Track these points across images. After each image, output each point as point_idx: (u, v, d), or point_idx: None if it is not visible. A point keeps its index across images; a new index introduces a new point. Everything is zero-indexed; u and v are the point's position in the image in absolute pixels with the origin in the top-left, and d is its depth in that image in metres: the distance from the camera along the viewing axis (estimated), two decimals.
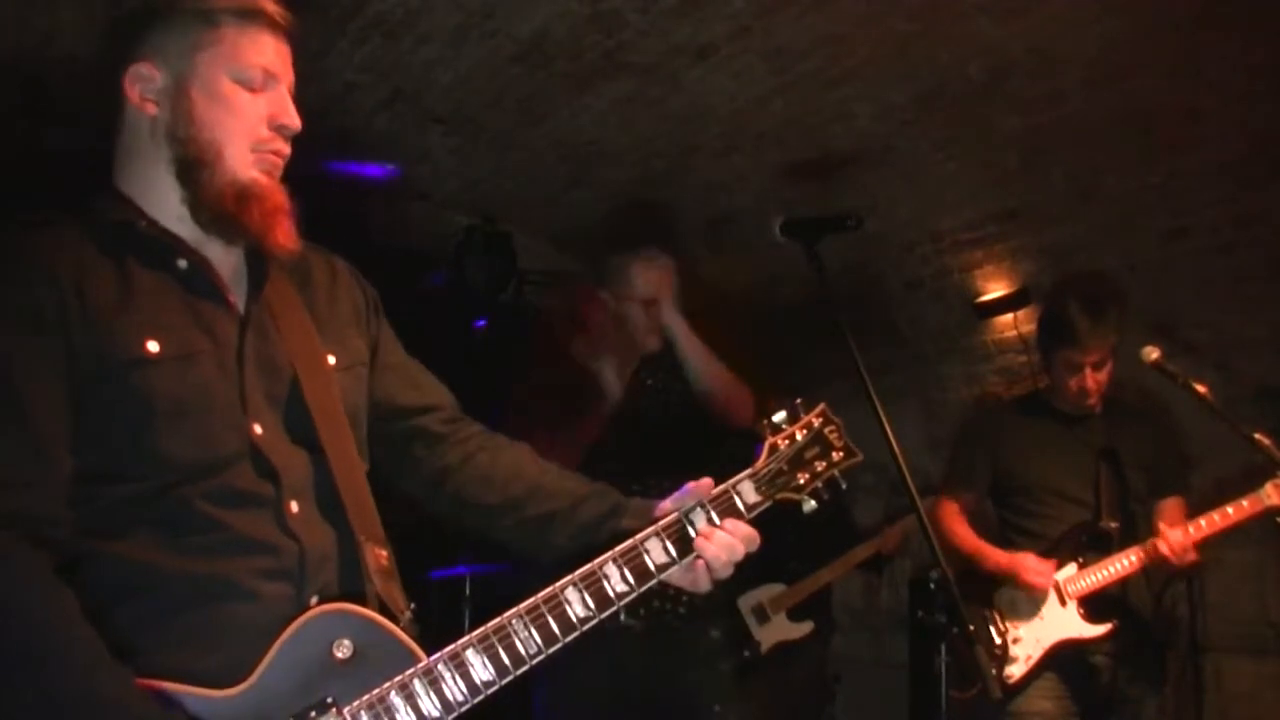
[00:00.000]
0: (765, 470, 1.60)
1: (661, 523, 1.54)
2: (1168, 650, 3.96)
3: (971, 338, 4.99)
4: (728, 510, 1.56)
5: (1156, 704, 3.16)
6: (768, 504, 1.59)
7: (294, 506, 1.39)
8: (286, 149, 1.47)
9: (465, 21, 3.60)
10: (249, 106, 1.41)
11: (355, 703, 1.27)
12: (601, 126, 4.31)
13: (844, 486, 1.66)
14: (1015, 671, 3.07)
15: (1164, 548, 2.95)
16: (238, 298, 1.47)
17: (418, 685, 1.29)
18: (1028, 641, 3.09)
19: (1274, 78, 3.31)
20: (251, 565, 1.33)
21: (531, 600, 1.40)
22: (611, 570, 1.46)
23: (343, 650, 1.28)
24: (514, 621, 1.37)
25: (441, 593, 4.27)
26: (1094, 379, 3.10)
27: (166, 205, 1.42)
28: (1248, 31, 3.19)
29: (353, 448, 1.51)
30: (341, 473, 1.44)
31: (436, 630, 1.46)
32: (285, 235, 1.44)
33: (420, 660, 1.32)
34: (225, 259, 1.47)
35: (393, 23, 3.61)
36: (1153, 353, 3.08)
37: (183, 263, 1.42)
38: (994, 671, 2.97)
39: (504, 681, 1.35)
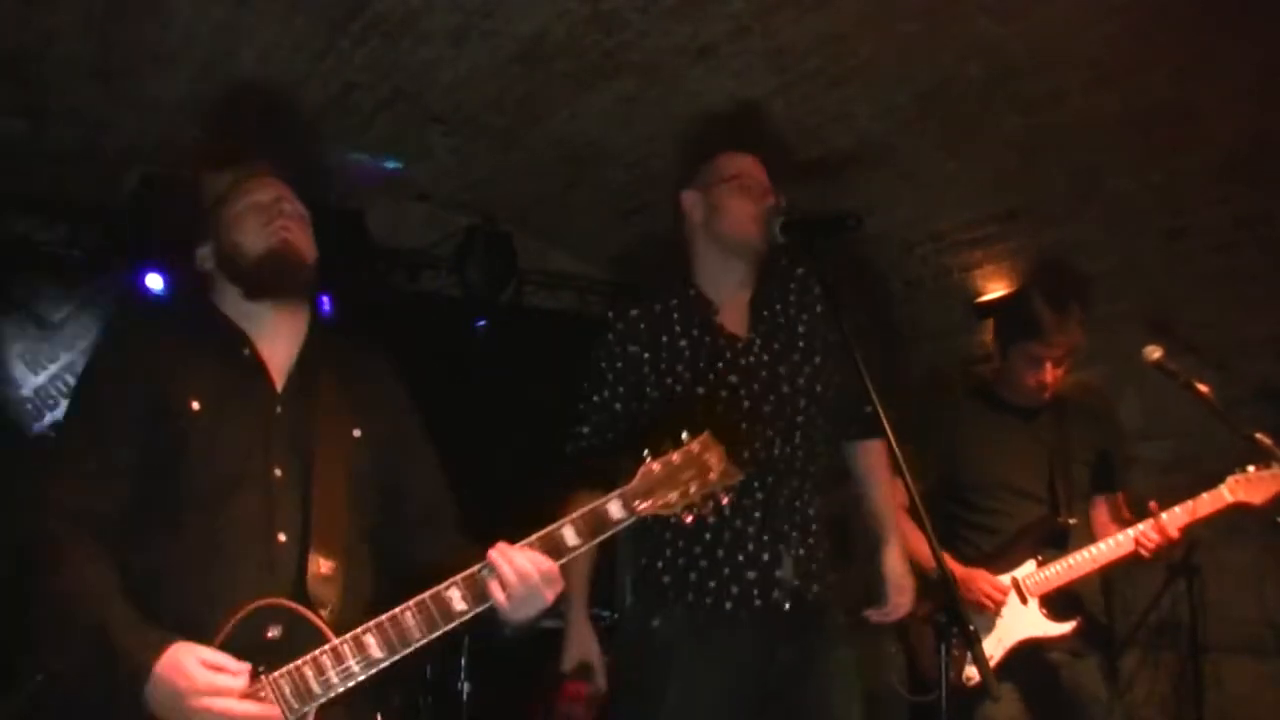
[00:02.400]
0: (632, 489, 1.80)
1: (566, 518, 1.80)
2: (1163, 651, 3.96)
3: (971, 338, 4.99)
4: (598, 529, 1.79)
5: (1115, 702, 3.11)
6: (632, 519, 1.80)
7: (281, 537, 1.78)
8: (289, 219, 1.92)
9: (465, 21, 3.60)
10: (257, 215, 1.94)
11: (275, 673, 1.66)
12: (601, 126, 4.31)
13: (724, 501, 1.85)
14: (977, 674, 2.99)
15: (1154, 535, 2.91)
16: (279, 381, 1.89)
17: (325, 660, 1.68)
18: (989, 642, 3.00)
19: (1274, 78, 3.31)
20: (240, 580, 1.72)
21: (421, 596, 1.73)
22: (486, 573, 1.72)
23: (273, 632, 1.70)
24: (405, 613, 1.71)
25: None
26: (1053, 374, 3.06)
27: (234, 308, 1.94)
28: (1248, 31, 3.19)
29: (342, 494, 1.85)
30: (320, 506, 1.81)
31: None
32: (308, 260, 1.94)
33: (330, 641, 1.70)
34: (274, 353, 1.91)
35: (393, 23, 3.61)
36: (1153, 353, 3.06)
37: (246, 350, 1.89)
38: (964, 671, 2.91)
39: (393, 659, 1.69)
